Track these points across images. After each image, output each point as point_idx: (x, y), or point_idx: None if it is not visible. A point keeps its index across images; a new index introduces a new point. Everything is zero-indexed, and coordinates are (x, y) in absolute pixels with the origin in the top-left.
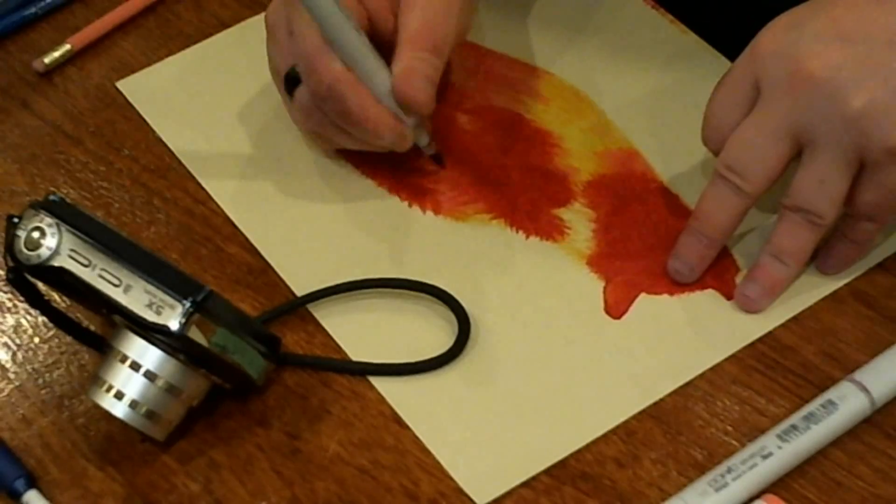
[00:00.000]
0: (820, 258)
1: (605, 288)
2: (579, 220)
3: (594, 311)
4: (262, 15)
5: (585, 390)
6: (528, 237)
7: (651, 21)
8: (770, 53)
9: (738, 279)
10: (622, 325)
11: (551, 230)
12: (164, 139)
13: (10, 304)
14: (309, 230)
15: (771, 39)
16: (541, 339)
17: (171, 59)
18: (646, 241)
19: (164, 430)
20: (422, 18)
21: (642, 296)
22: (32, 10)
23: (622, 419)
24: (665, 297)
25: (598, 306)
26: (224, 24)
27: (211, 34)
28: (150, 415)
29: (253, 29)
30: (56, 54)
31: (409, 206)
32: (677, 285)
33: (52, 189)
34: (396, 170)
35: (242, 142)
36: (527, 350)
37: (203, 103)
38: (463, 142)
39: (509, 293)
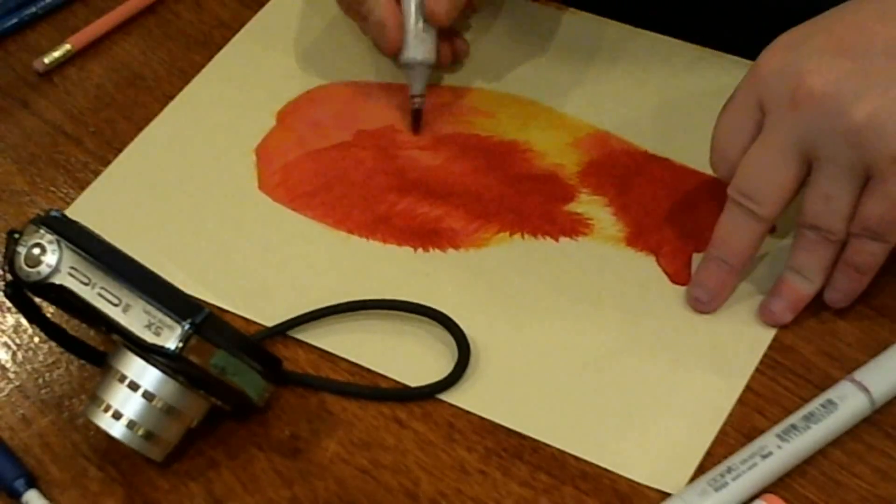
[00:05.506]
0: (825, 290)
1: (657, 261)
2: (595, 209)
3: (661, 285)
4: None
5: (706, 354)
6: (557, 240)
7: (546, 14)
8: (772, 72)
9: None
10: None
11: (576, 226)
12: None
13: (10, 304)
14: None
15: (772, 59)
16: (623, 326)
17: (105, 172)
18: (666, 207)
19: (162, 451)
20: None
21: (695, 256)
22: (32, 9)
23: (753, 368)
24: None
25: (661, 280)
26: (224, 24)
27: (211, 34)
28: (148, 435)
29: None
30: (56, 54)
31: (426, 251)
32: None
33: (53, 199)
34: (398, 225)
35: (212, 227)
36: (617, 340)
37: (147, 204)
38: (438, 175)
39: (565, 296)
